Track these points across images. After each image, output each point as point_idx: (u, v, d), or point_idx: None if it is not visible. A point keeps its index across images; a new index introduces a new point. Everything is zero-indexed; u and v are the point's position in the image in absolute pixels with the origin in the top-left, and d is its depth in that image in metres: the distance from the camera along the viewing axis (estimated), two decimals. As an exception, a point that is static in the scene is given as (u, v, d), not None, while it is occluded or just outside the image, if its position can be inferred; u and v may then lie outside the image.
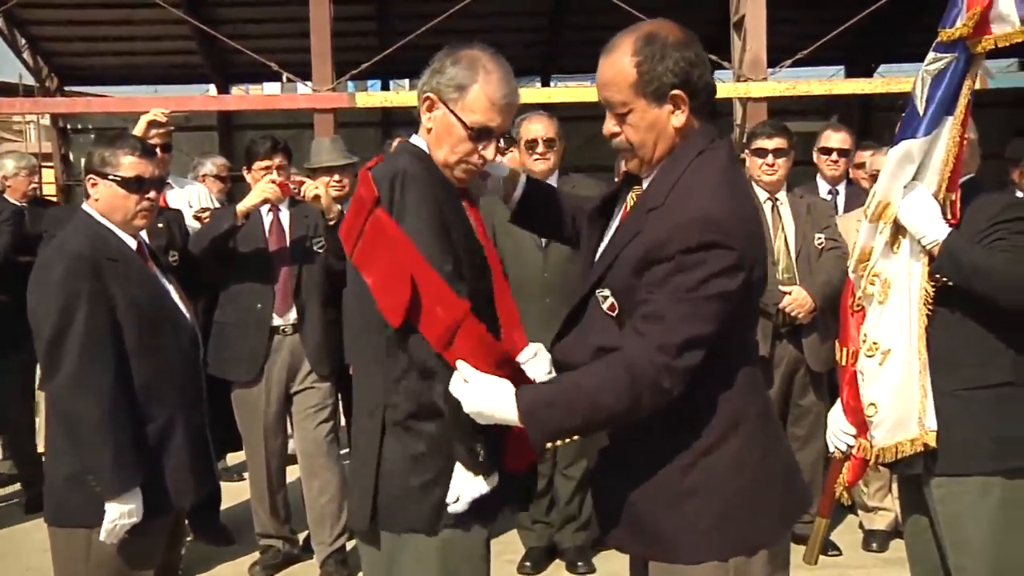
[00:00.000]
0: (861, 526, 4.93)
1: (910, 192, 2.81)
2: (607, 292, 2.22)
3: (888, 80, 8.54)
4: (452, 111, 2.28)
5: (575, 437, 2.12)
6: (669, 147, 2.20)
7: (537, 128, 4.53)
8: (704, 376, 2.13)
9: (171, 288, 3.20)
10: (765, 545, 2.20)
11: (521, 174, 2.66)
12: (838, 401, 3.06)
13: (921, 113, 2.78)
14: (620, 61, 2.16)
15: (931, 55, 2.77)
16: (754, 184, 4.64)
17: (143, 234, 3.24)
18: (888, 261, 2.88)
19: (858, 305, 2.99)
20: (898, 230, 2.86)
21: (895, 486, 4.61)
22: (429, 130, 2.33)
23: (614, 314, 2.22)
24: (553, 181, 4.54)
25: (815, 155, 5.41)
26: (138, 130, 4.65)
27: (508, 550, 4.73)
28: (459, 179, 2.36)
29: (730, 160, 2.22)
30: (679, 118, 2.17)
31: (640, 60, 2.13)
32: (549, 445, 2.15)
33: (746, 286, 2.11)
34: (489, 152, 2.32)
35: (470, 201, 2.43)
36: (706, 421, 2.17)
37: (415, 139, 2.39)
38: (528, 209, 2.65)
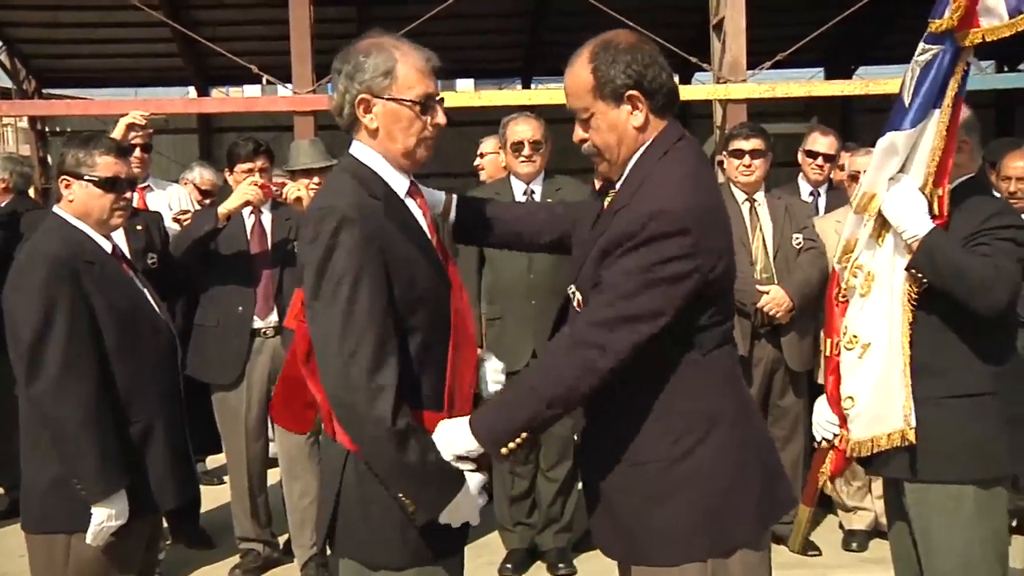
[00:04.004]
0: (841, 526, 4.94)
1: (896, 184, 2.79)
2: (574, 289, 2.31)
3: (867, 82, 8.57)
4: (391, 98, 2.24)
5: (524, 435, 2.16)
6: (632, 147, 2.27)
7: (524, 130, 4.51)
8: (676, 373, 2.19)
9: (146, 291, 3.19)
10: (743, 546, 2.22)
11: (453, 196, 2.67)
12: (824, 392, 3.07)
13: (907, 105, 2.75)
14: (579, 69, 2.27)
15: (921, 46, 2.75)
16: (732, 185, 4.66)
17: (121, 236, 3.22)
18: (872, 254, 2.86)
19: (843, 296, 2.97)
20: (883, 223, 2.83)
21: (875, 486, 4.63)
22: (375, 130, 2.27)
23: (580, 310, 2.27)
24: (539, 183, 4.56)
25: (800, 156, 5.41)
26: (117, 132, 4.64)
27: (489, 552, 4.73)
28: (420, 158, 2.31)
29: (697, 157, 2.28)
30: (638, 118, 2.24)
31: (595, 66, 2.24)
32: (504, 451, 2.17)
33: (701, 274, 2.13)
34: (440, 118, 2.29)
35: (420, 195, 2.37)
36: (682, 422, 2.20)
37: (358, 148, 2.31)
38: (465, 227, 2.66)
